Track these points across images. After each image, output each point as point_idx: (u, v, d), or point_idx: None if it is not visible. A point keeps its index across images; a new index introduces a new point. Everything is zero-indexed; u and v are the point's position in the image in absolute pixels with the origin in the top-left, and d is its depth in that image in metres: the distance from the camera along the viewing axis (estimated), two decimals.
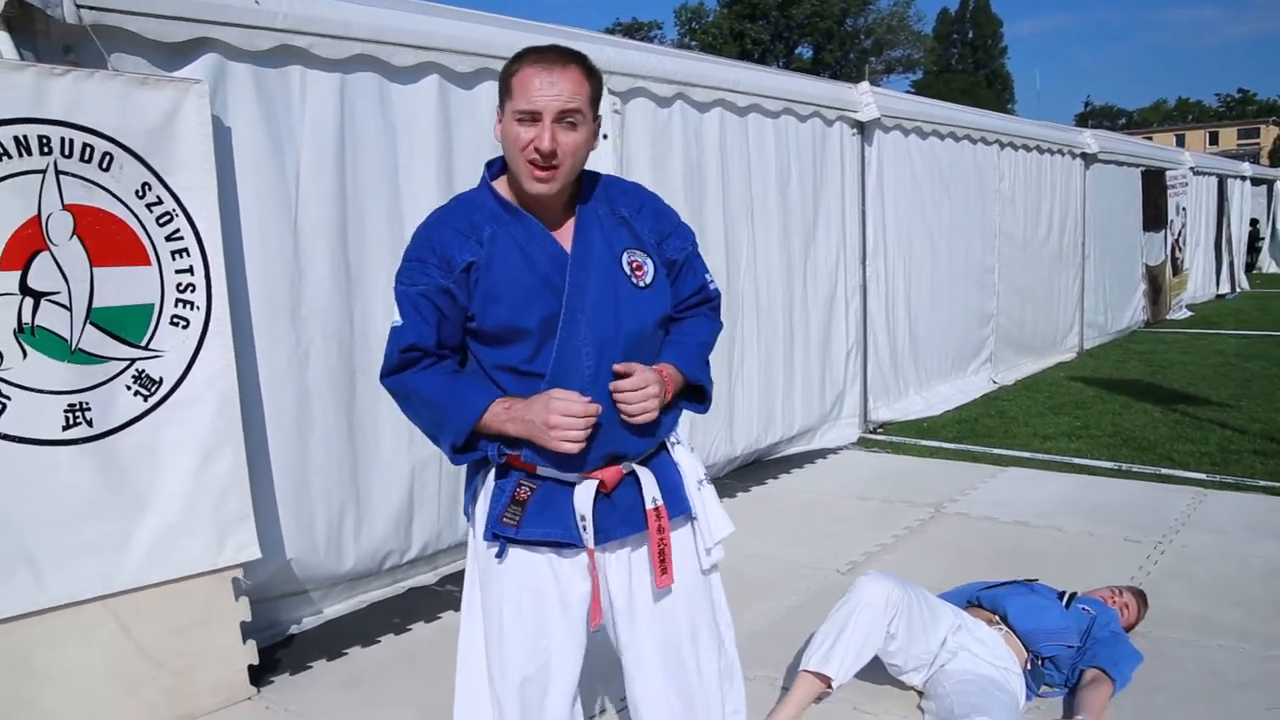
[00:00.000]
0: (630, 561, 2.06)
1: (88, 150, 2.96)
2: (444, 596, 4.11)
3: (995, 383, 8.70)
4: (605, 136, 4.79)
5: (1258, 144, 69.96)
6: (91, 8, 3.03)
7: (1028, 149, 9.22)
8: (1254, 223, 21.05)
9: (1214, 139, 73.74)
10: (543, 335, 1.94)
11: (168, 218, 3.12)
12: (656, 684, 2.10)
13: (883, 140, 7.00)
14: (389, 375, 2.01)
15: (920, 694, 3.12)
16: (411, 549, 4.11)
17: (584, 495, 1.97)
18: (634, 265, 2.03)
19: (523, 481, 1.99)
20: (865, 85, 6.90)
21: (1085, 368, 9.80)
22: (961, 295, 8.21)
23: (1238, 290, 17.56)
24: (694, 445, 5.08)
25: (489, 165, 2.06)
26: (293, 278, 3.62)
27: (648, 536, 2.02)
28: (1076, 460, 6.11)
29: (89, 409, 2.96)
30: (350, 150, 3.81)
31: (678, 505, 2.07)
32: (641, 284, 2.02)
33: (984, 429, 7.07)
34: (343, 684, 3.40)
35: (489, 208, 1.99)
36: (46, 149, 2.88)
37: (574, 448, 1.86)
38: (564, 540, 1.99)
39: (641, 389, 1.91)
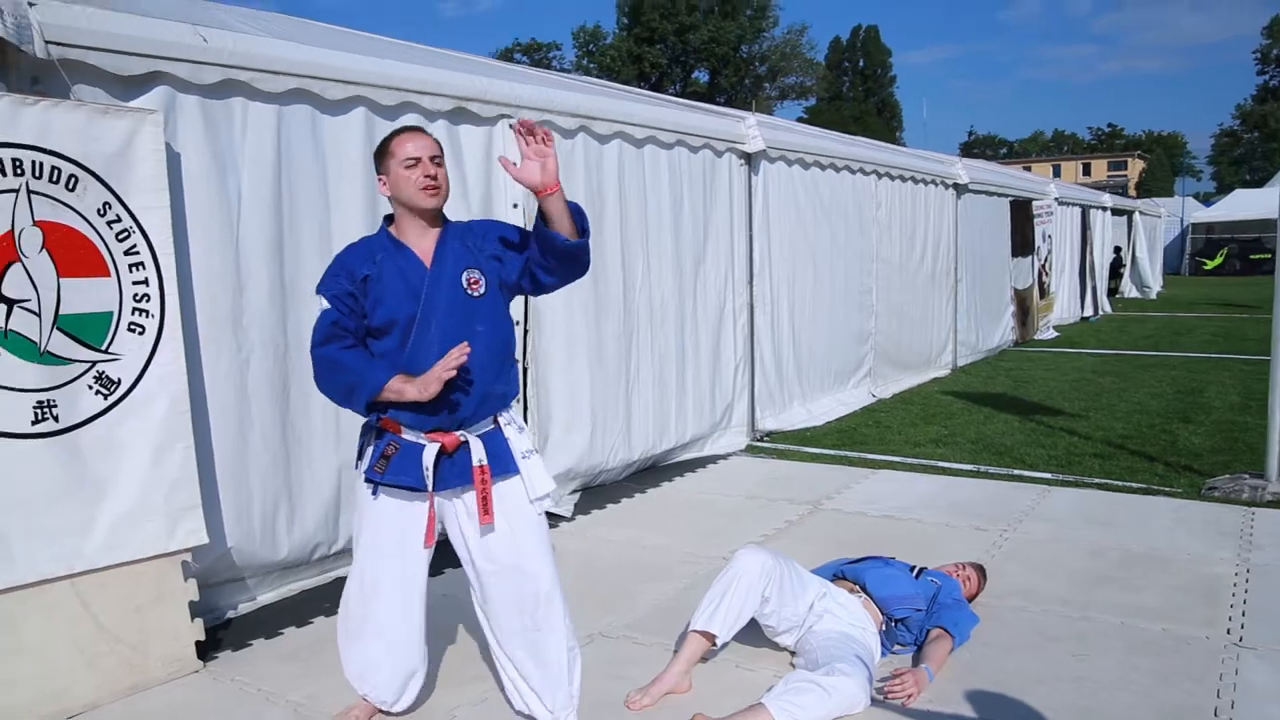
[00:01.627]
0: (467, 504, 2.93)
1: (55, 172, 3.30)
2: None
3: (874, 396, 9.38)
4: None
5: (1126, 175, 73.91)
6: (58, 43, 3.37)
7: (903, 179, 9.97)
8: (1117, 250, 22.53)
9: (1087, 170, 77.62)
10: (407, 328, 2.83)
11: (126, 234, 3.47)
12: (493, 586, 2.97)
13: (768, 170, 7.61)
14: (319, 346, 2.85)
15: (792, 654, 3.63)
16: (339, 541, 4.48)
17: (429, 453, 2.86)
18: (470, 281, 2.88)
19: (391, 442, 2.89)
20: (753, 119, 7.49)
21: (957, 383, 10.57)
22: (842, 315, 8.88)
23: (1100, 313, 18.83)
24: (595, 449, 5.57)
25: (386, 218, 2.99)
26: (234, 291, 3.98)
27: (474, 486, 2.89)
28: (941, 464, 6.75)
29: (55, 406, 3.29)
30: (286, 175, 4.19)
31: (503, 467, 2.92)
32: (475, 294, 2.88)
33: (861, 437, 7.70)
34: (282, 658, 3.76)
35: (383, 243, 2.92)
36: (19, 170, 3.21)
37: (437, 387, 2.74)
38: (413, 485, 2.87)
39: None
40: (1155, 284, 25.31)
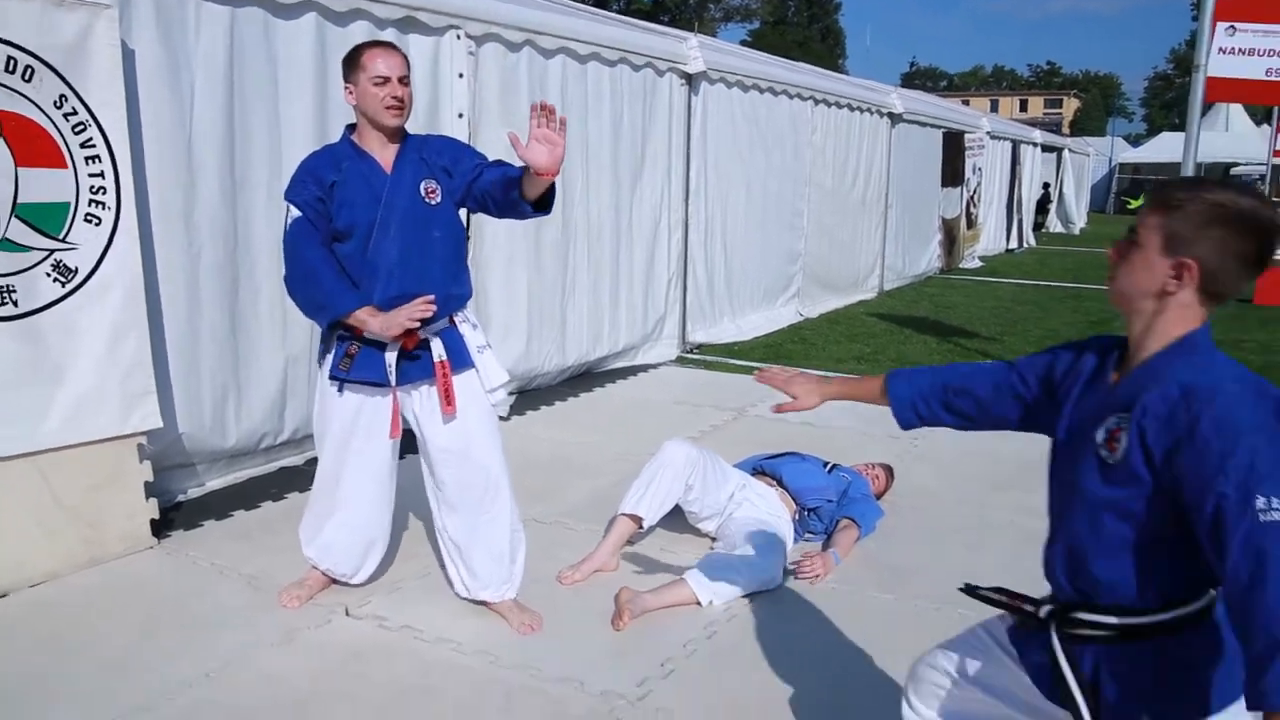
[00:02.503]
0: (428, 395, 3.13)
1: (12, 62, 3.39)
2: (311, 475, 4.69)
3: (801, 315, 9.73)
4: (461, 75, 5.37)
5: (1061, 114, 74.92)
6: None
7: (839, 106, 10.19)
8: (1045, 186, 23.11)
9: (1024, 106, 78.53)
10: (368, 233, 2.99)
11: (82, 127, 3.57)
12: (444, 471, 3.21)
13: (708, 91, 7.79)
14: (295, 252, 3.00)
15: (713, 539, 3.94)
16: (284, 432, 4.69)
17: (391, 352, 3.05)
18: (428, 190, 3.06)
19: (354, 340, 3.06)
20: (695, 41, 7.64)
21: (883, 306, 10.97)
22: (774, 235, 9.16)
23: (1025, 246, 19.40)
24: (531, 354, 5.78)
25: (348, 127, 3.14)
26: (186, 186, 4.11)
27: (436, 380, 3.09)
28: None
29: (15, 291, 3.42)
30: (238, 76, 4.29)
31: (460, 362, 3.13)
32: (433, 202, 3.06)
33: (787, 352, 8.03)
34: (234, 537, 3.98)
35: (346, 151, 3.08)
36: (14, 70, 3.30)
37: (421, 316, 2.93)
38: (377, 381, 3.08)
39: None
40: (1080, 220, 26.06)
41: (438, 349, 3.09)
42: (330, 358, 3.14)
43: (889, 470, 4.53)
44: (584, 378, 6.86)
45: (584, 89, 6.47)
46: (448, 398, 3.08)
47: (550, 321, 6.35)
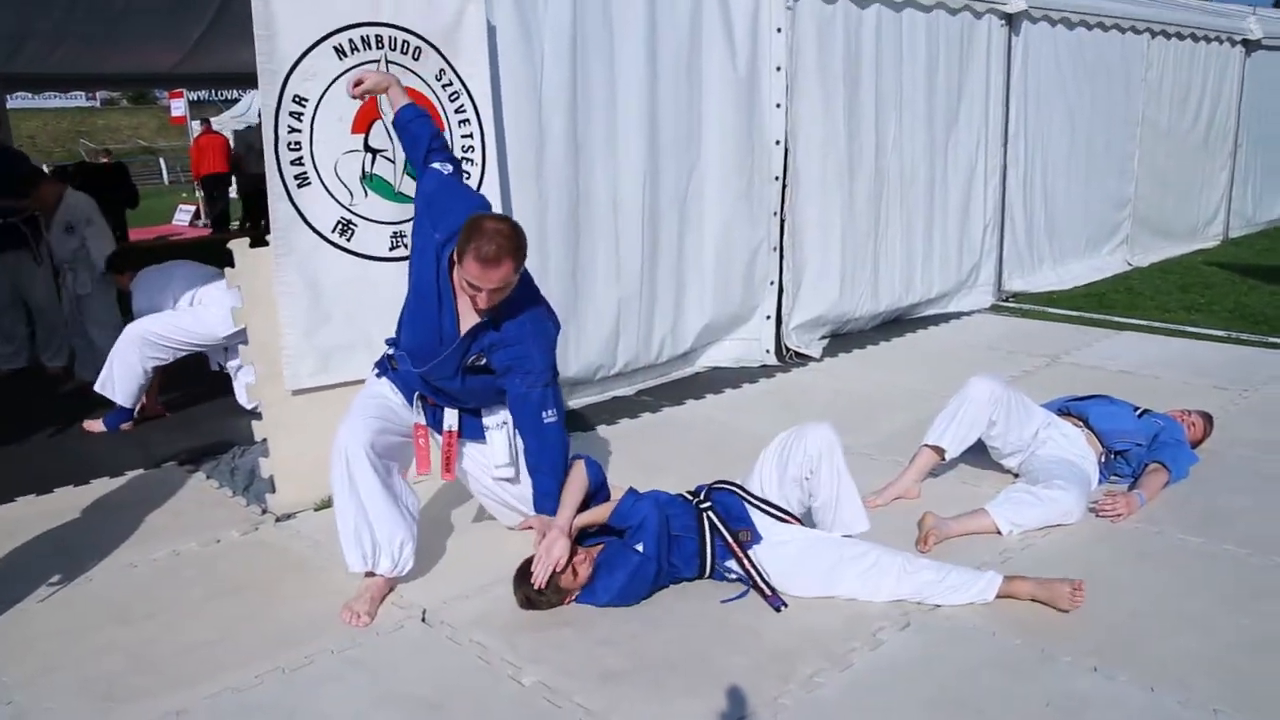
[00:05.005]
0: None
1: (405, 45, 4.03)
2: (638, 403, 5.25)
3: (1129, 264, 9.23)
4: (779, 30, 5.63)
5: None
6: None
7: (1180, 37, 9.48)
8: None
9: None
10: (422, 346, 3.18)
11: (456, 95, 4.18)
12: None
13: (1030, 30, 7.57)
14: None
15: (1015, 476, 4.04)
16: (616, 365, 5.24)
17: (415, 395, 3.32)
18: (477, 360, 3.16)
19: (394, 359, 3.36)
20: None
21: (1225, 254, 10.14)
22: (1100, 180, 8.75)
23: None
24: (844, 299, 6.00)
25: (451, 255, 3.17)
26: (537, 146, 4.68)
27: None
28: (1190, 329, 6.75)
29: (404, 236, 4.09)
30: (580, 44, 4.79)
31: (473, 434, 3.38)
32: (479, 363, 3.18)
33: (1110, 302, 7.72)
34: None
35: (443, 274, 3.16)
36: (380, 44, 3.95)
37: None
38: (407, 400, 3.32)
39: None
40: None
41: (450, 420, 3.33)
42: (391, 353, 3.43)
43: (1207, 418, 4.36)
44: (896, 323, 7.00)
45: (898, 36, 6.53)
46: (447, 465, 3.34)
47: (863, 267, 6.53)
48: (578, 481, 3.27)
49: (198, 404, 5.56)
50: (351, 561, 3.20)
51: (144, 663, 2.96)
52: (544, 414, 3.21)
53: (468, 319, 3.13)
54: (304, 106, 3.82)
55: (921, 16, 6.66)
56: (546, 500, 3.23)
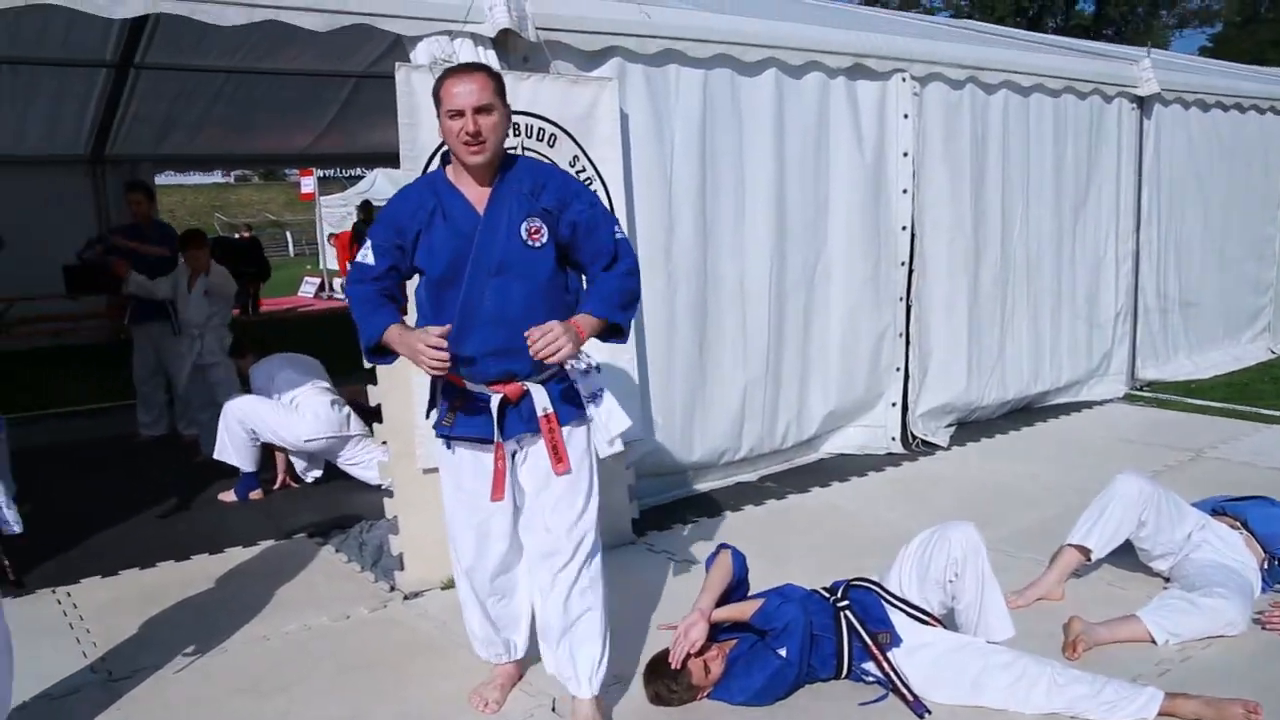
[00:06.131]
0: (535, 452, 2.83)
1: (540, 132, 4.13)
2: (763, 489, 5.18)
3: (1273, 352, 8.81)
4: (906, 116, 5.61)
5: None
6: (544, 28, 4.19)
7: None
8: None
9: None
10: (458, 278, 2.69)
11: (589, 181, 4.25)
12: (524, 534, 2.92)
13: (1161, 113, 7.38)
14: (347, 289, 2.84)
15: (1166, 580, 3.82)
16: (741, 450, 5.18)
17: (494, 403, 2.75)
18: (531, 231, 2.70)
19: (457, 396, 2.80)
20: (1147, 61, 7.29)
21: None
22: (1237, 264, 8.42)
23: None
24: (971, 387, 5.88)
25: (443, 156, 2.87)
26: (667, 229, 4.72)
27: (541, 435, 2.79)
28: None
29: None
30: (709, 130, 4.85)
31: (570, 414, 2.81)
32: (536, 245, 2.70)
33: (1255, 392, 7.35)
34: (697, 539, 4.48)
35: (436, 187, 2.77)
36: (517, 132, 4.05)
37: (439, 369, 2.60)
38: (480, 436, 2.79)
39: (545, 334, 2.57)
40: None
41: (541, 400, 2.77)
42: (435, 414, 2.92)
43: None
44: (1024, 411, 6.78)
45: (1026, 120, 6.44)
46: (557, 454, 2.77)
47: (990, 354, 6.38)
48: (721, 571, 3.20)
49: (325, 477, 5.68)
50: (480, 651, 3.16)
51: None
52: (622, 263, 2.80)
53: (481, 202, 2.73)
54: None
55: (1049, 100, 6.57)
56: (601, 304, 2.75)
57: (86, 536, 4.78)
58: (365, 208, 17.48)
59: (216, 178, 39.00)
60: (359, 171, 23.56)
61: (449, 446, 2.89)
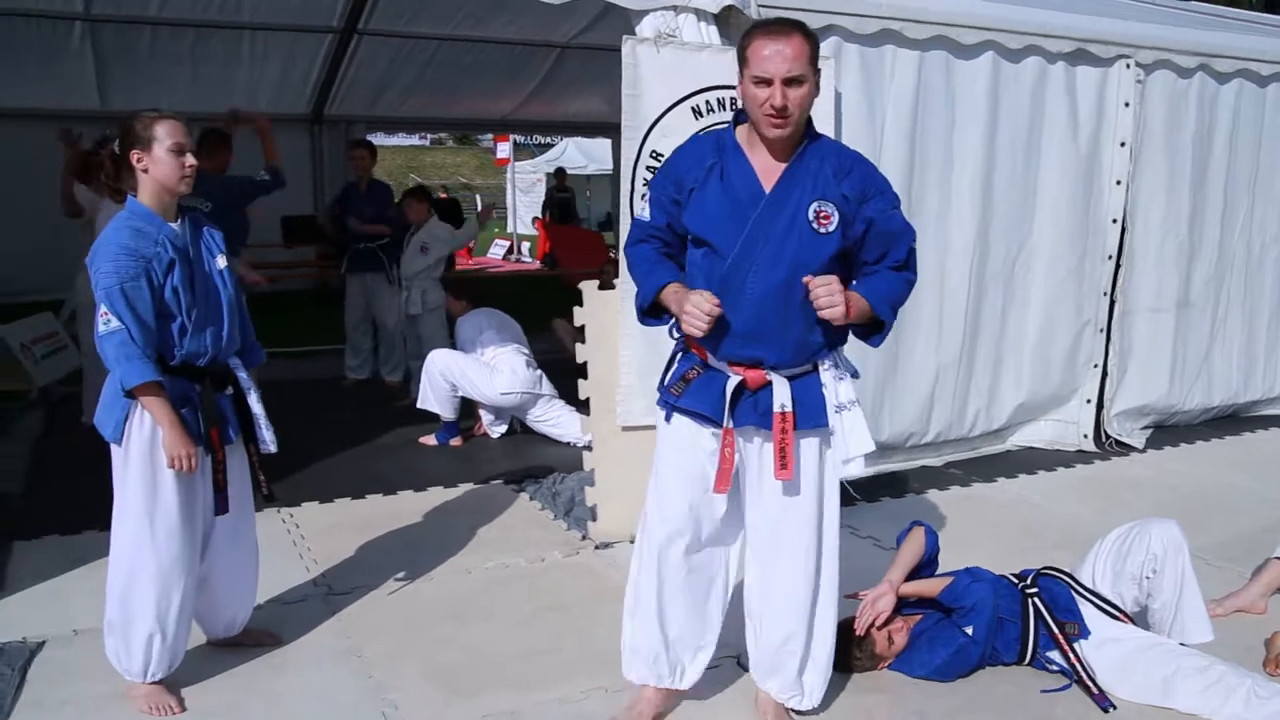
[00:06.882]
0: (761, 450, 2.60)
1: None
2: (947, 475, 5.17)
3: None
4: (1127, 104, 5.41)
5: None
6: (765, 5, 4.25)
7: None
8: None
9: None
10: (726, 249, 2.48)
11: None
12: (762, 552, 2.70)
13: None
14: (627, 247, 2.74)
15: None
16: (928, 434, 5.17)
17: (730, 385, 2.54)
18: (820, 215, 2.47)
19: (695, 366, 2.61)
20: None
21: None
22: None
23: None
24: (1173, 390, 5.61)
25: (736, 114, 2.63)
26: None
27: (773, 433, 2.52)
28: None
29: None
30: (920, 113, 4.82)
31: (810, 418, 2.53)
32: (823, 230, 2.47)
33: None
34: (882, 517, 4.51)
35: (725, 145, 2.56)
36: (730, 108, 4.15)
37: (697, 331, 2.43)
38: (708, 415, 2.58)
39: (828, 284, 2.38)
40: None
41: (781, 394, 2.52)
42: (668, 377, 2.71)
43: None
44: (1229, 420, 6.46)
45: (1260, 111, 6.08)
46: (783, 459, 2.51)
47: (1195, 356, 6.10)
48: (914, 546, 3.25)
49: (511, 432, 6.00)
50: (636, 671, 2.86)
51: (481, 661, 3.24)
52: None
53: (769, 175, 2.52)
54: (659, 161, 4.06)
55: None
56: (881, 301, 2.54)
57: (304, 466, 5.20)
58: (559, 174, 18.45)
59: (414, 140, 40.65)
60: (551, 139, 24.18)
61: (668, 418, 2.69)
